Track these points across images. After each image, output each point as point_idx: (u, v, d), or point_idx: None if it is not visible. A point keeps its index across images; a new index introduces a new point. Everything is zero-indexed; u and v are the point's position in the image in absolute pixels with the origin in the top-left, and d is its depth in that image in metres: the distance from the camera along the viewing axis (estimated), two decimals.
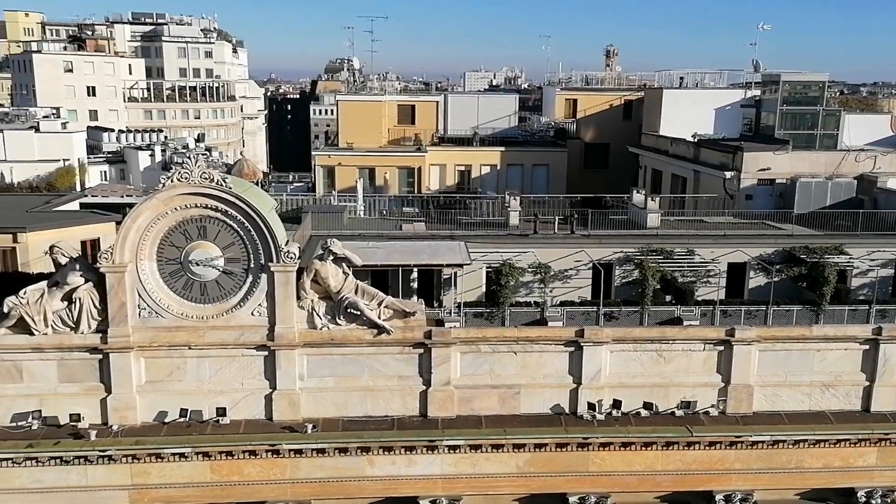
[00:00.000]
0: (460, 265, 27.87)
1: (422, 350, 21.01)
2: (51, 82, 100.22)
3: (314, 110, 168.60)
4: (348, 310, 20.41)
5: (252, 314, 20.30)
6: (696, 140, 44.14)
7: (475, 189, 46.95)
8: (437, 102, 53.42)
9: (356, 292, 20.48)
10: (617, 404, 21.51)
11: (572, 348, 21.60)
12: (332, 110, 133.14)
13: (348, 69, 75.00)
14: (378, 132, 50.02)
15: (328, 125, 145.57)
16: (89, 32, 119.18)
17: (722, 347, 22.07)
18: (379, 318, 20.55)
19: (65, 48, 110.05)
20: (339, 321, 20.53)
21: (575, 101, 55.22)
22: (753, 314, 26.14)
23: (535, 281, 29.00)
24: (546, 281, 28.16)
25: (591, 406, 21.51)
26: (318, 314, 20.52)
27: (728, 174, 38.00)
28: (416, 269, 29.09)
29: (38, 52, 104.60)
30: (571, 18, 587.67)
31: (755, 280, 29.30)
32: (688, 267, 28.28)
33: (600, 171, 52.24)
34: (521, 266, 27.95)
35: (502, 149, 50.03)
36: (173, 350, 20.19)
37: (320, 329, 20.58)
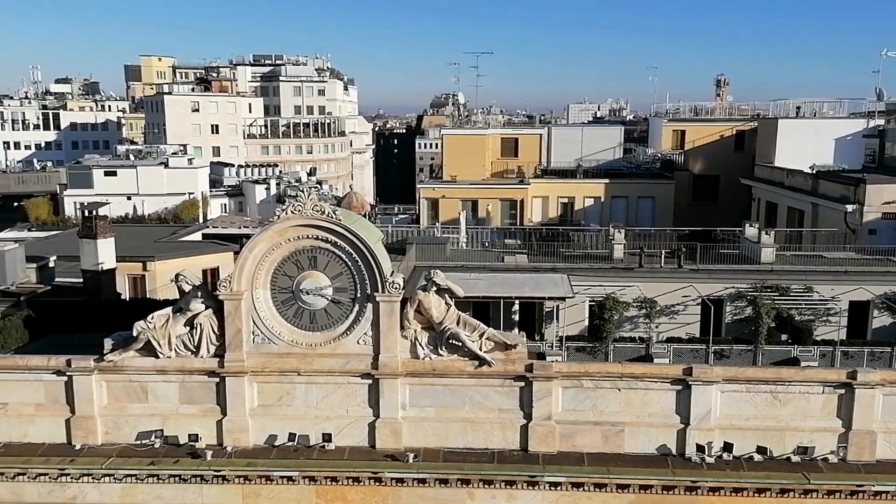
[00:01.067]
0: (563, 298, 27.63)
1: (523, 383, 20.90)
2: (179, 121, 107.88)
3: (419, 144, 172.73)
4: (450, 340, 20.63)
5: (358, 343, 20.87)
6: (814, 172, 42.06)
7: (578, 221, 46.58)
8: (541, 135, 53.62)
9: (458, 323, 20.69)
10: (728, 447, 20.54)
11: (680, 387, 20.87)
12: (436, 144, 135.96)
13: (453, 104, 76.57)
14: (481, 165, 50.66)
15: (433, 158, 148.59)
16: (215, 74, 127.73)
17: (843, 391, 20.70)
18: (480, 349, 20.64)
19: (192, 89, 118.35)
20: (440, 352, 20.78)
21: (683, 132, 53.99)
22: (877, 356, 24.46)
23: (640, 316, 28.34)
24: (652, 316, 27.46)
25: (699, 448, 20.64)
26: (420, 344, 20.85)
27: (850, 207, 35.94)
28: (517, 302, 29.07)
29: (169, 93, 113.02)
30: (679, 49, 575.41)
31: (879, 319, 27.45)
32: (805, 304, 26.88)
33: (710, 204, 50.62)
34: (625, 300, 27.41)
35: (606, 181, 49.46)
36: (283, 376, 21.01)
37: (423, 359, 20.88)
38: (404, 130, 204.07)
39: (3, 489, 20.05)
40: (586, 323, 28.77)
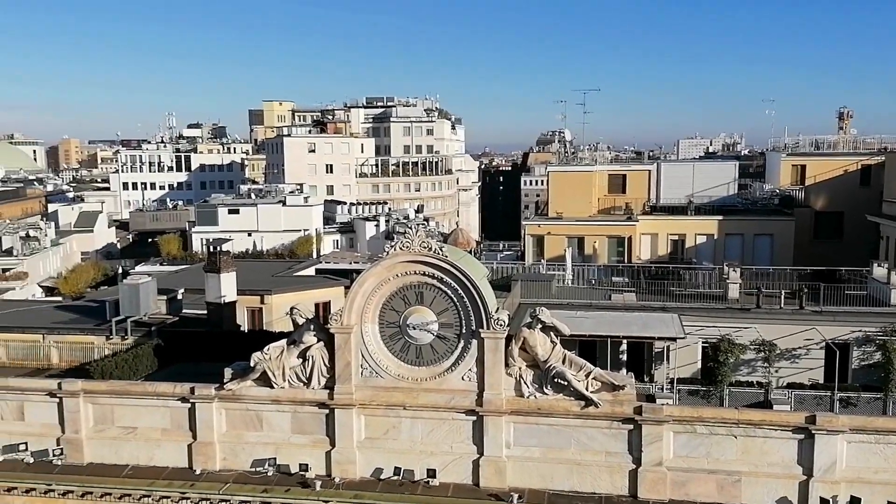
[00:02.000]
0: (673, 339, 26.77)
1: (631, 426, 20.30)
2: (297, 161, 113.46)
3: (525, 181, 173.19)
4: (555, 379, 20.39)
5: (462, 379, 20.99)
6: None
7: (689, 259, 45.04)
8: (649, 171, 52.56)
9: (564, 362, 20.44)
10: (855, 502, 19.05)
11: (802, 436, 19.64)
12: (542, 181, 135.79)
13: (559, 141, 76.49)
14: (588, 201, 50.16)
15: (538, 195, 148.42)
16: (330, 117, 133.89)
17: None
18: (586, 389, 20.26)
19: (309, 131, 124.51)
20: (546, 390, 20.56)
21: (803, 166, 51.46)
22: None
23: (757, 359, 26.98)
24: (771, 360, 26.09)
25: (823, 501, 19.26)
26: (525, 382, 20.71)
27: None
28: (625, 341, 28.36)
29: (288, 135, 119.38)
30: (797, 80, 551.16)
31: None
32: None
33: (833, 242, 47.79)
34: (741, 342, 26.20)
35: (720, 217, 47.71)
36: (390, 409, 21.39)
37: (527, 397, 20.72)
38: (510, 168, 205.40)
39: None
40: (699, 365, 27.66)
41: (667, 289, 32.74)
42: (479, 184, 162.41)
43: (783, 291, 30.02)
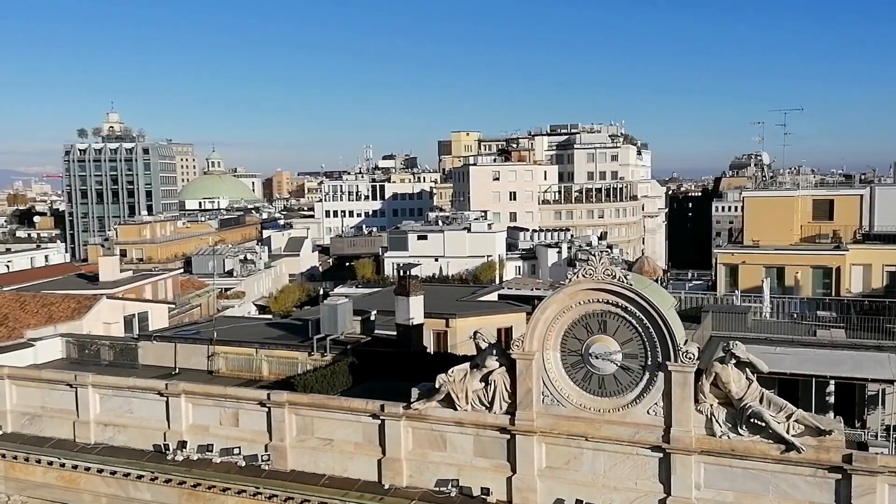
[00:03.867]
0: (891, 381, 24.03)
1: (839, 475, 18.40)
2: (481, 189, 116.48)
3: (716, 207, 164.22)
4: (751, 419, 19.04)
5: (647, 412, 20.25)
6: None
7: None
8: (861, 196, 47.86)
9: (761, 401, 19.06)
10: None
11: None
12: (736, 207, 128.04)
13: (756, 164, 72.02)
14: (788, 229, 46.65)
15: (731, 222, 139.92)
16: (514, 145, 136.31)
17: None
18: (787, 432, 18.71)
19: (494, 160, 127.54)
20: (740, 431, 19.25)
21: None
22: None
23: None
24: None
25: None
26: (717, 420, 19.55)
27: None
28: (832, 382, 25.89)
29: (474, 164, 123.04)
30: None
31: None
32: None
33: None
34: None
35: None
36: (571, 439, 21.09)
37: (719, 437, 19.53)
38: (699, 193, 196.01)
39: None
40: None
41: (882, 326, 29.47)
42: (666, 210, 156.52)
43: None
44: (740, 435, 19.25)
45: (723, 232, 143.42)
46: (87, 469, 24.87)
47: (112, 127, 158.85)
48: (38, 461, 25.55)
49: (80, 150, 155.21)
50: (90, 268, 64.89)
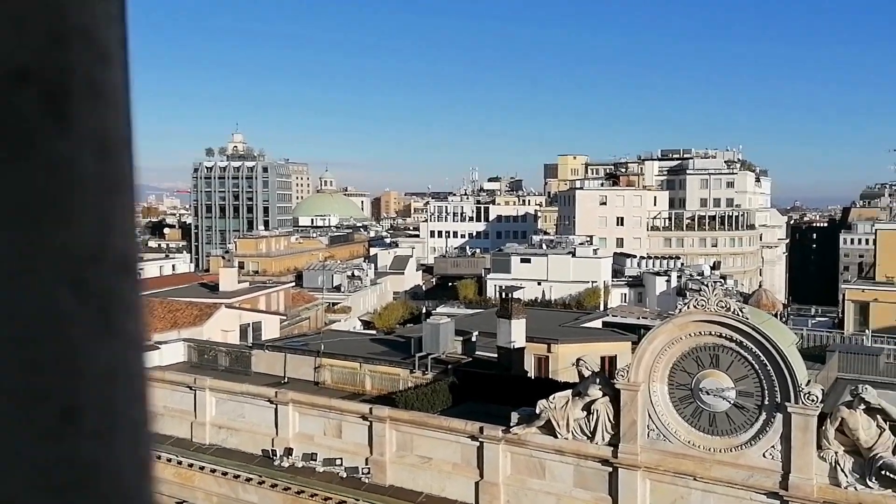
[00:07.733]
0: None
1: None
2: (588, 214, 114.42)
3: (844, 239, 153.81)
4: (882, 471, 17.43)
5: (763, 455, 18.98)
6: None
7: None
8: None
9: (894, 452, 17.44)
10: None
11: None
12: (867, 239, 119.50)
13: (890, 194, 66.88)
14: None
15: (861, 256, 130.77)
16: (623, 169, 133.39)
17: None
18: None
19: (601, 184, 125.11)
20: (869, 483, 17.66)
21: None
22: None
23: None
24: None
25: None
26: (842, 470, 18.04)
27: None
28: None
29: (581, 188, 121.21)
30: None
31: None
32: None
33: None
34: None
35: None
36: (678, 478, 20.09)
37: (845, 488, 17.99)
38: (825, 224, 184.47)
39: None
40: None
41: None
42: (787, 241, 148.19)
43: None
44: (869, 487, 17.68)
45: (851, 266, 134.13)
46: (202, 468, 25.98)
47: (236, 146, 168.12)
48: (159, 457, 26.94)
49: (206, 167, 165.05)
50: (211, 277, 68.43)
